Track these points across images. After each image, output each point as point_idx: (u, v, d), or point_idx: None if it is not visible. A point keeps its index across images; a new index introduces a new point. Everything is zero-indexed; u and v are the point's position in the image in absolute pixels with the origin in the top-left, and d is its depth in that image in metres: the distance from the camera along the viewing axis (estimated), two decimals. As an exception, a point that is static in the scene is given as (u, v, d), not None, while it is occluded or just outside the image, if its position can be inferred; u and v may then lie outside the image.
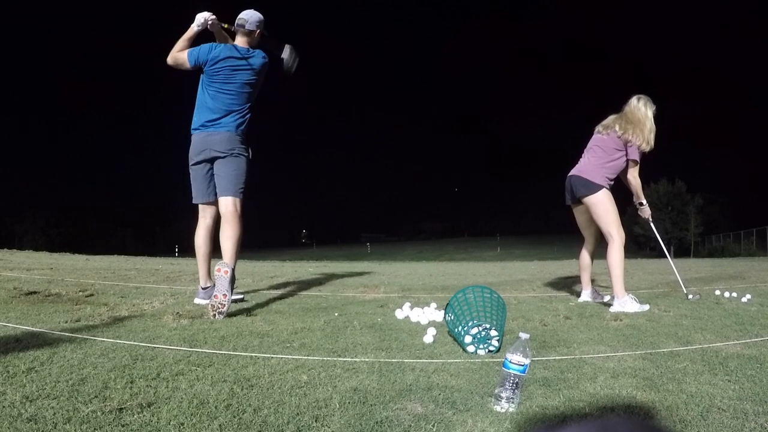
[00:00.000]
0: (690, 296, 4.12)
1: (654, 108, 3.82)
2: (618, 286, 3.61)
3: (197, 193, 3.56)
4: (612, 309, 3.52)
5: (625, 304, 3.52)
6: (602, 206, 3.74)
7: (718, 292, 4.53)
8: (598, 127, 3.92)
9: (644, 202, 4.07)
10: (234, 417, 1.43)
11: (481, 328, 2.27)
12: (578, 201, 3.92)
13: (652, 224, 4.33)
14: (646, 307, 3.53)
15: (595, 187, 3.74)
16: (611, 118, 3.89)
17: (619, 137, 3.75)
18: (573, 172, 3.93)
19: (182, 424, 1.37)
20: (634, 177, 3.86)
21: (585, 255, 4.19)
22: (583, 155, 3.97)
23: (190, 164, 3.53)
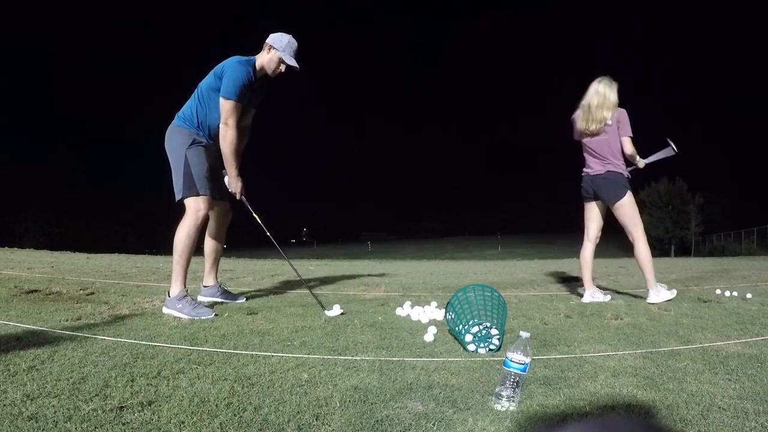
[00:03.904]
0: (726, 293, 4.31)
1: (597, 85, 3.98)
2: (651, 279, 3.91)
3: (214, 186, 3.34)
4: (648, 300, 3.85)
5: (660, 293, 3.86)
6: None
7: (718, 291, 4.53)
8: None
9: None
10: (234, 415, 1.44)
11: (481, 327, 2.27)
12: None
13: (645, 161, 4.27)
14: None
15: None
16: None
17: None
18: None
19: (183, 422, 1.37)
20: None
21: (588, 253, 4.21)
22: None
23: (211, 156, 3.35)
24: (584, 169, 4.15)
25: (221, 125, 3.23)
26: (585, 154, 4.13)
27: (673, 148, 4.25)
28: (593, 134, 3.97)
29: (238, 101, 3.22)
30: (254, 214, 3.53)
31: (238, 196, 3.42)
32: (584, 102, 4.00)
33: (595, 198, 4.10)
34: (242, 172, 3.41)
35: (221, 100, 3.20)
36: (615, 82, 3.97)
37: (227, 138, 3.23)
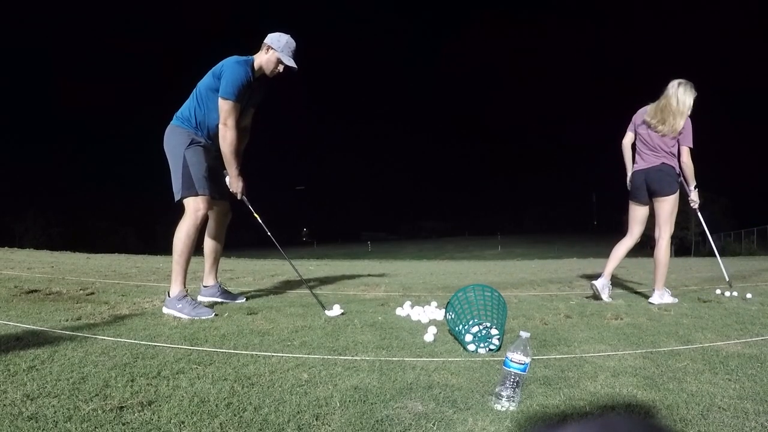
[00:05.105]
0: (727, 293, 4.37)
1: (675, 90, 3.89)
2: (661, 281, 3.95)
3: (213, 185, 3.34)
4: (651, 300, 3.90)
5: (663, 296, 3.90)
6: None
7: (718, 291, 4.53)
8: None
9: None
10: (234, 415, 1.44)
11: (481, 327, 2.28)
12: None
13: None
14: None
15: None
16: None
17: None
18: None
19: (183, 422, 1.37)
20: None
21: (623, 248, 4.23)
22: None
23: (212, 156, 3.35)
24: (636, 166, 4.08)
25: (220, 126, 3.23)
26: (639, 146, 4.05)
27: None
28: (659, 133, 3.91)
29: (236, 101, 3.21)
30: (255, 214, 3.53)
31: (239, 197, 3.41)
32: (663, 100, 3.91)
33: (644, 199, 4.04)
34: (242, 172, 3.41)
35: (220, 100, 3.20)
36: (695, 91, 3.89)
37: (227, 138, 3.22)
